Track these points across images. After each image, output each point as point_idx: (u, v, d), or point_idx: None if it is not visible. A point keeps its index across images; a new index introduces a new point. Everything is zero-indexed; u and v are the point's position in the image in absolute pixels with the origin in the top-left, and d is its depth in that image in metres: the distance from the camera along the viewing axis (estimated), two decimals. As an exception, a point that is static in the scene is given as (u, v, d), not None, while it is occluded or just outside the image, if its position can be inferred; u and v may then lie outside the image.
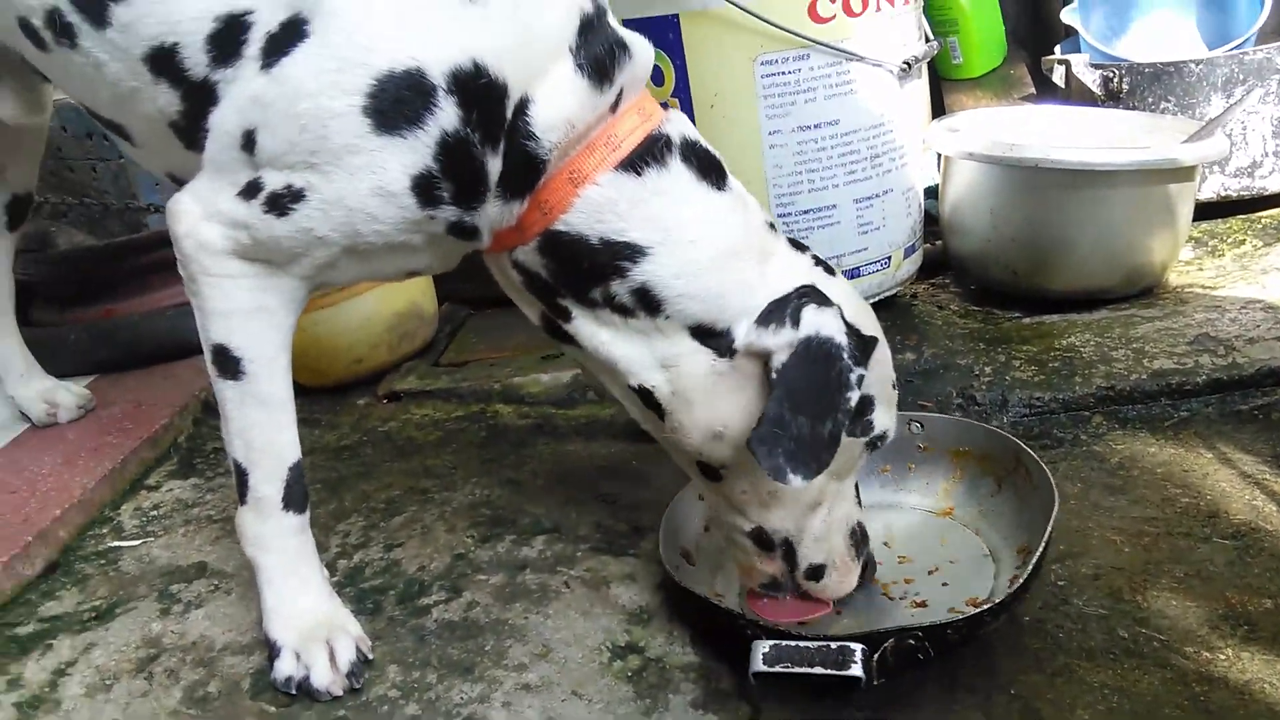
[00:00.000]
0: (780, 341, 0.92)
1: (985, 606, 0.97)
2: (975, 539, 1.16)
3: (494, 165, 0.92)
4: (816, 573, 1.05)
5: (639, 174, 0.95)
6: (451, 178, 0.91)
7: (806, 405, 0.90)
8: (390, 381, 1.77)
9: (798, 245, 1.04)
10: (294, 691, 1.05)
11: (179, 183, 1.06)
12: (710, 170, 0.99)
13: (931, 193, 1.89)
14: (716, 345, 0.96)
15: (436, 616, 1.16)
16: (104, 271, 1.93)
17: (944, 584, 1.11)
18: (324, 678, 1.04)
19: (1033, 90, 2.24)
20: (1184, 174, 1.61)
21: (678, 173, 0.97)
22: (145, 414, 1.68)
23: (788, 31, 1.48)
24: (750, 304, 0.96)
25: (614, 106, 0.97)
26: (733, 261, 0.96)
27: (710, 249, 0.96)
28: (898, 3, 1.56)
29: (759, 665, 0.92)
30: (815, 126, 1.55)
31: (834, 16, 1.50)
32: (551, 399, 1.66)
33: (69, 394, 1.67)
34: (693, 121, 1.55)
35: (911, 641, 0.92)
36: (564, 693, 1.02)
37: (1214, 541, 1.14)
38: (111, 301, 1.93)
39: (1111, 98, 1.94)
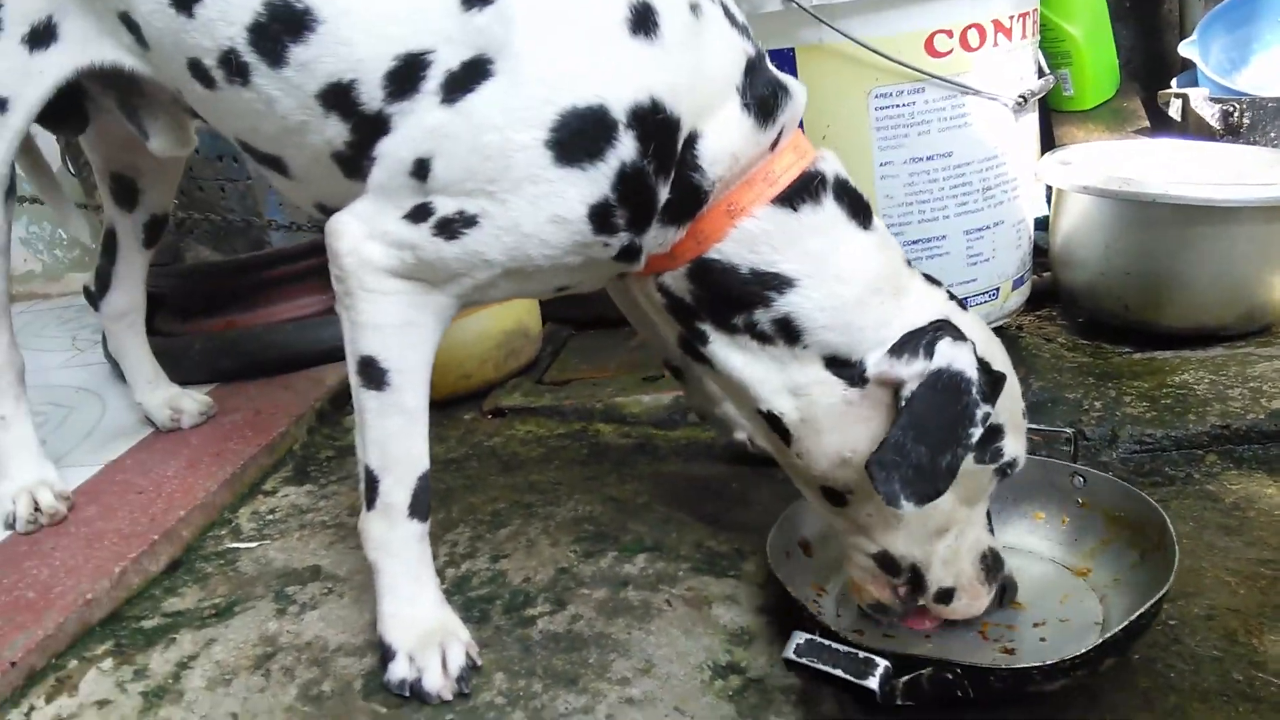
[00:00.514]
0: (912, 371, 0.94)
1: (1035, 664, 0.95)
2: (1097, 606, 1.12)
3: (663, 193, 0.97)
4: (945, 596, 1.06)
5: (795, 209, 1.00)
6: (627, 206, 0.96)
7: (929, 435, 0.91)
8: (496, 398, 1.82)
9: (932, 280, 1.06)
10: (406, 694, 1.08)
11: (327, 213, 1.12)
12: (859, 210, 1.03)
13: (1041, 224, 1.87)
14: (849, 375, 0.99)
15: (541, 627, 1.18)
16: (228, 285, 2.02)
17: (1042, 639, 1.08)
18: (436, 682, 1.07)
19: (1146, 124, 2.20)
20: (1309, 211, 1.56)
21: (830, 210, 1.01)
22: (263, 422, 1.75)
23: (903, 65, 1.49)
24: (884, 336, 0.98)
25: (774, 145, 1.01)
26: (873, 297, 1.00)
27: (855, 285, 0.99)
28: (1015, 37, 1.55)
29: (790, 653, 0.96)
30: (928, 158, 1.56)
31: (950, 51, 1.50)
32: (652, 420, 1.68)
33: (192, 401, 1.75)
34: (802, 150, 1.59)
35: (949, 676, 0.92)
36: (667, 708, 1.04)
37: (1337, 588, 1.10)
38: (234, 314, 2.02)
39: (1231, 132, 1.90)
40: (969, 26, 1.50)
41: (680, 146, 0.96)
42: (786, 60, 1.56)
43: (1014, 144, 1.62)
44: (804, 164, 1.02)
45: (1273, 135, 1.85)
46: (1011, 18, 1.54)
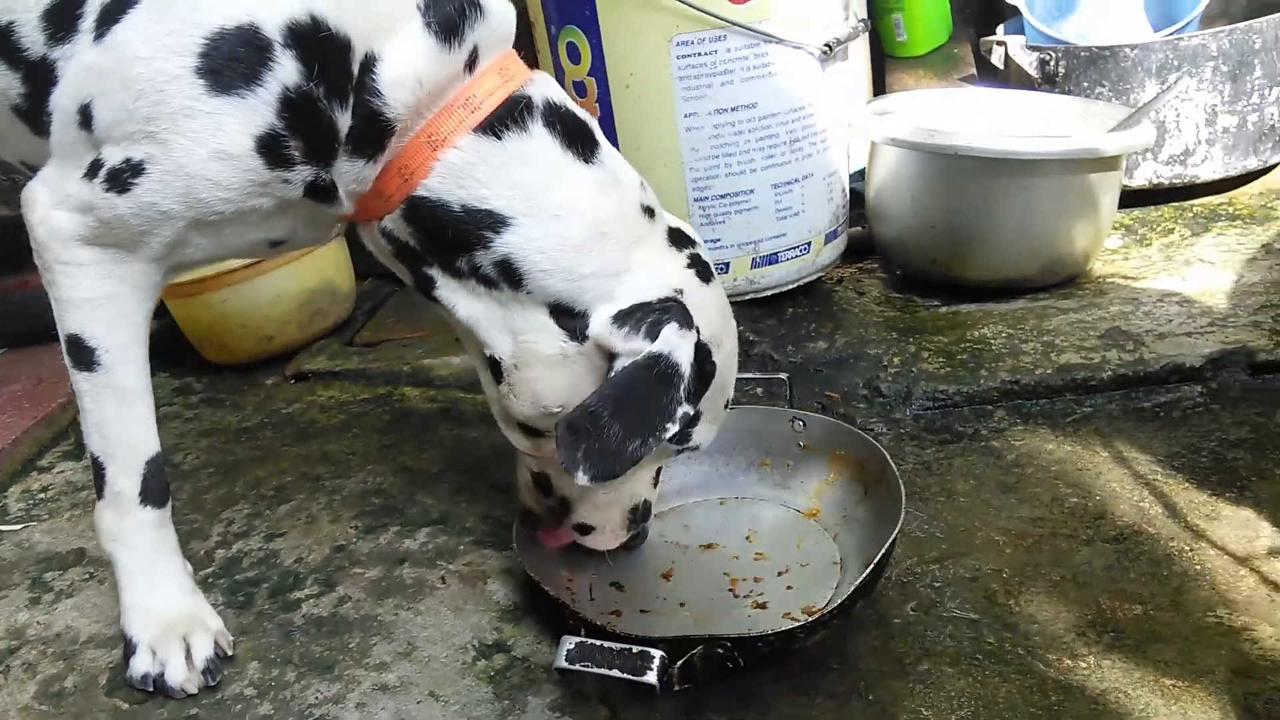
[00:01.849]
0: (629, 348, 0.91)
1: (797, 624, 0.96)
2: (831, 545, 1.14)
3: (343, 120, 0.89)
4: (583, 530, 1.09)
5: (499, 137, 0.92)
6: (298, 135, 0.87)
7: (626, 416, 0.88)
8: (299, 361, 1.74)
9: (678, 238, 1.01)
10: (149, 689, 1.03)
11: (34, 170, 1.02)
12: (577, 139, 0.96)
13: (862, 175, 1.86)
14: (570, 327, 0.94)
15: (305, 612, 1.14)
16: (17, 240, 1.88)
17: (789, 587, 1.09)
18: (178, 675, 1.02)
19: (974, 71, 2.20)
20: (1108, 163, 1.58)
21: (540, 138, 0.94)
22: (44, 391, 1.64)
23: (703, 12, 1.44)
24: (611, 289, 0.94)
25: (470, 67, 0.93)
26: (599, 243, 0.94)
27: (577, 226, 0.93)
28: (818, -17, 1.52)
29: (561, 662, 0.92)
30: (732, 109, 1.52)
31: (748, -3, 1.46)
32: (460, 382, 1.63)
33: (-34, 370, 1.64)
34: (609, 103, 1.54)
35: (719, 650, 0.91)
36: (421, 694, 1.00)
37: (1095, 544, 1.12)
38: (27, 273, 1.89)
39: (1048, 81, 1.90)
40: (769, -28, 1.46)
41: (356, 69, 0.88)
42: (587, 4, 1.49)
43: (823, 94, 1.59)
44: (510, 87, 0.94)
45: (1085, 85, 1.85)
46: (815, -37, 1.50)
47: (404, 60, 0.89)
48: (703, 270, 1.00)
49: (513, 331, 0.97)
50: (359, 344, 1.80)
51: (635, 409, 0.89)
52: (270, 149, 0.87)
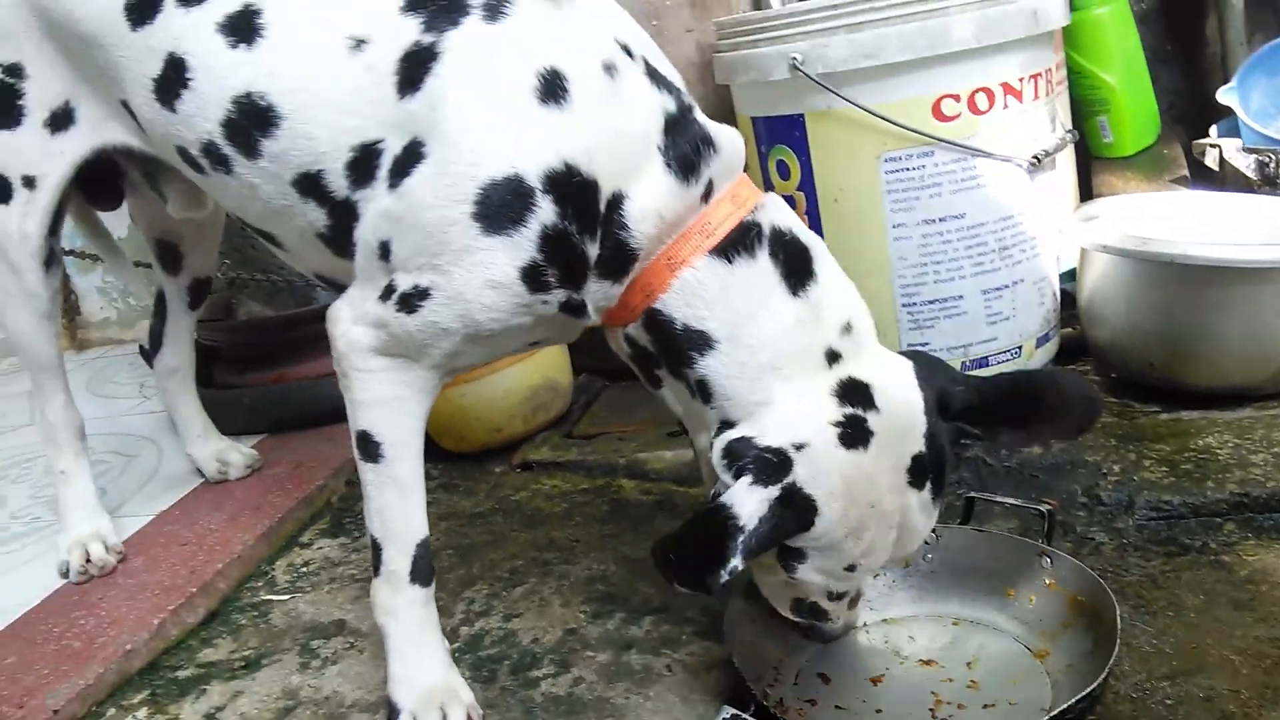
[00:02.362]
0: (720, 485, 1.01)
1: None
2: (1048, 691, 1.12)
3: (592, 250, 1.02)
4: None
5: (730, 261, 1.03)
6: (555, 265, 1.01)
7: (685, 553, 1.00)
8: (524, 451, 1.87)
9: (850, 394, 1.02)
10: (409, 752, 1.14)
11: (325, 282, 1.22)
12: (794, 270, 1.04)
13: (1072, 276, 1.86)
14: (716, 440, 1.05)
15: (545, 690, 1.22)
16: (278, 339, 2.12)
17: None
18: (436, 742, 1.13)
19: (1185, 172, 2.17)
20: (1340, 269, 1.53)
21: (763, 267, 1.03)
22: (303, 474, 1.83)
23: (911, 130, 1.51)
24: (750, 418, 1.03)
25: (706, 196, 1.04)
26: (768, 375, 1.02)
27: (762, 357, 1.02)
28: (1026, 99, 1.56)
29: None
30: (940, 220, 1.57)
31: (958, 115, 1.52)
32: (673, 475, 1.72)
33: (239, 454, 1.84)
34: (818, 215, 1.62)
35: None
36: (655, 776, 1.07)
37: (1341, 669, 1.08)
38: (284, 367, 2.12)
39: (1268, 183, 1.87)
40: (976, 90, 1.52)
41: (604, 206, 1.00)
42: (796, 125, 1.59)
43: (1033, 203, 1.62)
44: (742, 213, 1.05)
45: (1310, 187, 1.82)
46: (1021, 80, 1.55)
47: (647, 197, 1.01)
48: (852, 434, 1.01)
49: (697, 437, 1.12)
50: (577, 436, 1.92)
51: (692, 550, 0.99)
52: (532, 277, 1.01)
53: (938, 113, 1.51)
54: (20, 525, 1.84)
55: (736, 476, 0.99)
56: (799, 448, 1.00)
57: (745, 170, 1.11)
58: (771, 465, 0.99)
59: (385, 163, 1.04)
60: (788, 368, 1.02)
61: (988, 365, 1.67)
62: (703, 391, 1.05)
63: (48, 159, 1.36)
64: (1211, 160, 1.92)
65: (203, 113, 1.12)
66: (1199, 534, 1.36)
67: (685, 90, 1.09)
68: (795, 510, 0.99)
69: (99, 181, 1.41)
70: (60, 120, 1.34)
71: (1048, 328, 1.72)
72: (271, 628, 1.44)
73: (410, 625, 1.16)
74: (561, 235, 0.99)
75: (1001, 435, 1.23)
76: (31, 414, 2.58)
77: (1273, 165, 1.85)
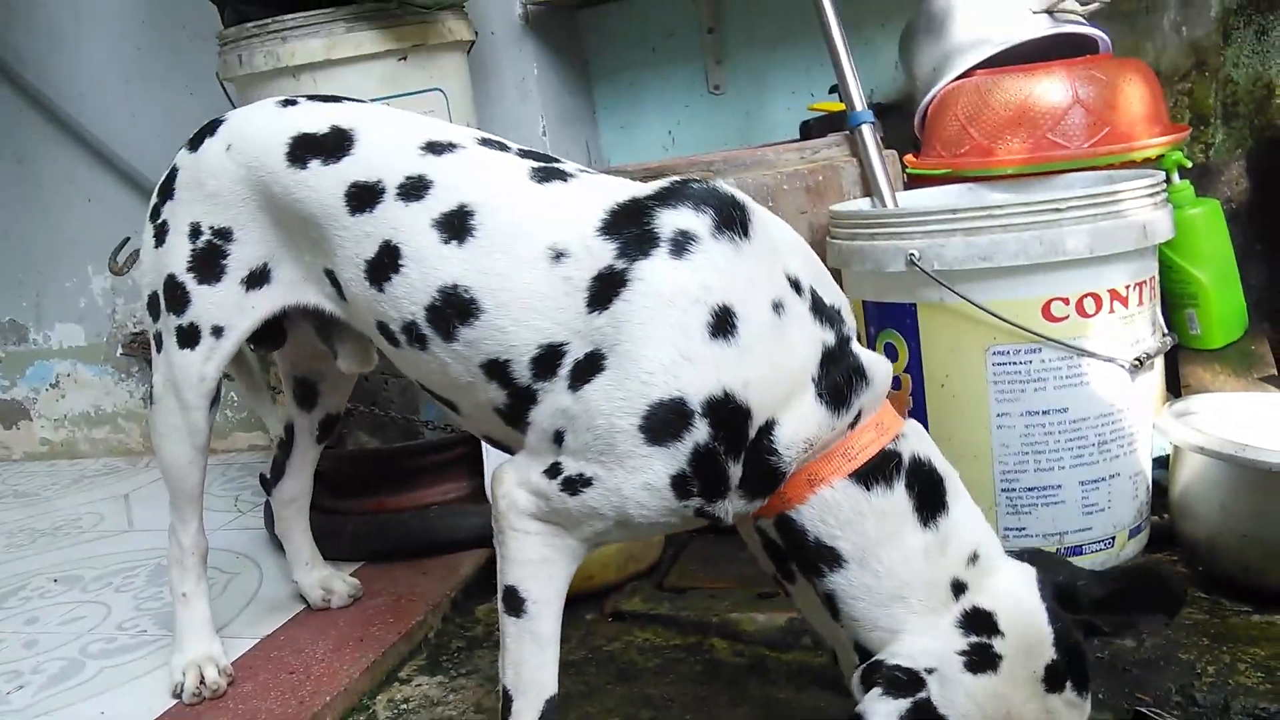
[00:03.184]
0: (853, 699, 1.08)
1: None
2: None
3: (735, 471, 1.11)
4: None
5: (868, 489, 1.12)
6: (699, 477, 1.11)
7: None
8: (615, 601, 1.92)
9: (976, 622, 1.09)
10: None
11: (492, 443, 1.33)
12: (927, 501, 1.12)
13: (1162, 463, 1.90)
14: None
15: None
16: (382, 469, 2.21)
17: None
18: None
19: (1274, 370, 2.22)
20: None
21: (899, 498, 1.11)
22: (403, 608, 1.89)
23: (1020, 328, 1.59)
24: (882, 638, 1.10)
25: (853, 425, 1.13)
26: (896, 604, 1.10)
27: (888, 585, 1.10)
28: (1131, 305, 1.64)
29: None
30: (1044, 413, 1.64)
31: (1067, 317, 1.60)
32: (765, 640, 1.75)
33: (343, 583, 1.91)
34: (922, 398, 1.70)
35: None
36: None
37: None
38: (384, 496, 2.20)
39: (1359, 391, 1.91)
40: (1085, 295, 1.60)
41: (753, 432, 1.10)
42: (908, 314, 1.68)
43: (1132, 401, 1.68)
44: (884, 441, 1.14)
45: (1403, 398, 1.85)
46: (1128, 287, 1.63)
47: (798, 427, 1.11)
48: (978, 660, 1.07)
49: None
50: (668, 588, 1.96)
51: None
52: (680, 485, 1.11)
53: (1047, 313, 1.59)
54: (127, 637, 1.91)
55: (865, 688, 1.06)
56: (930, 672, 1.07)
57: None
58: (902, 681, 1.06)
59: (567, 364, 1.15)
60: (913, 599, 1.10)
61: (1081, 554, 1.70)
62: (830, 605, 1.14)
63: (239, 313, 1.49)
64: (1301, 363, 1.97)
65: (410, 296, 1.25)
66: (1299, 747, 1.37)
67: (847, 316, 1.20)
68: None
69: (271, 326, 1.52)
70: (257, 279, 1.47)
71: (1140, 520, 1.76)
72: (376, 765, 1.49)
73: (531, 776, 1.21)
74: (710, 453, 1.10)
75: (1118, 626, 1.27)
76: (129, 519, 2.70)
77: (1364, 374, 1.90)
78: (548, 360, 1.16)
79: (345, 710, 1.62)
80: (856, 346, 1.18)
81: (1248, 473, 1.63)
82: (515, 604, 1.20)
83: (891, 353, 1.72)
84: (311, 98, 1.50)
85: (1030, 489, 1.67)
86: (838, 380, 1.13)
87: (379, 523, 2.15)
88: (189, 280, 1.49)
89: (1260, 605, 1.67)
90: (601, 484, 1.12)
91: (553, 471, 1.16)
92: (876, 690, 1.05)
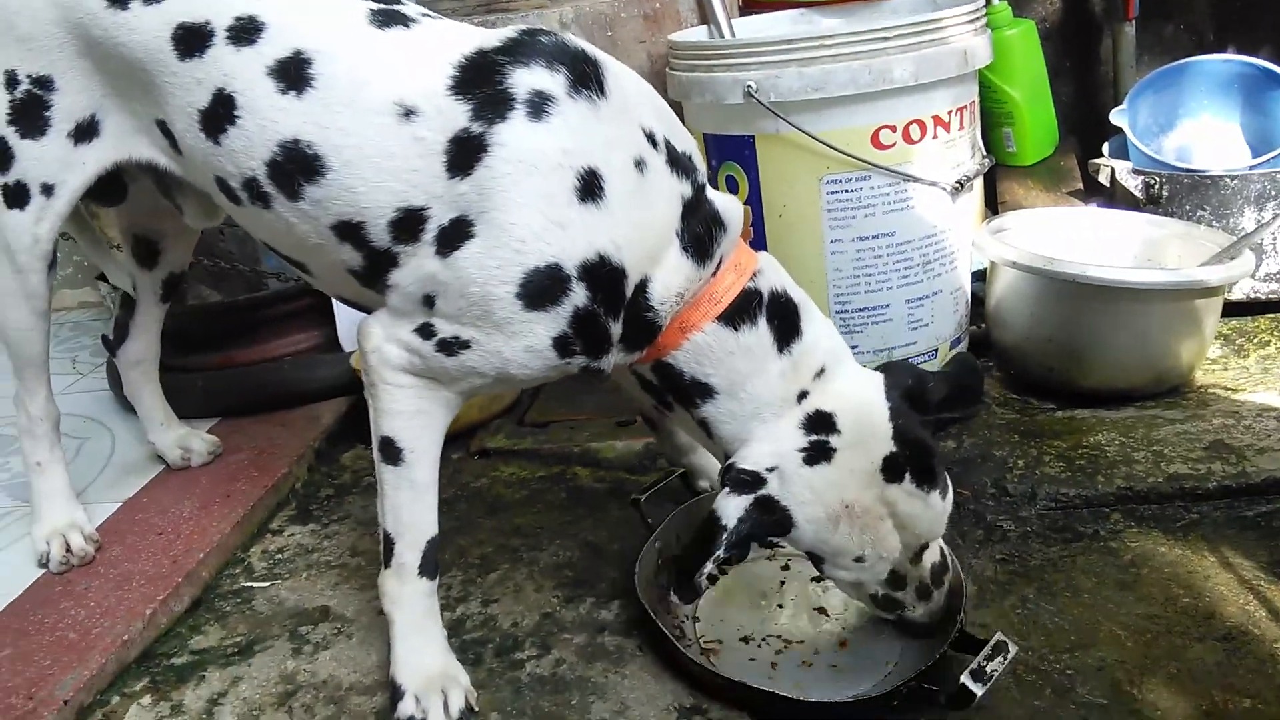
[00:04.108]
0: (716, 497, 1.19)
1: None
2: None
3: (615, 329, 1.17)
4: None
5: (735, 329, 1.19)
6: (581, 338, 1.16)
7: (694, 549, 1.18)
8: (481, 439, 1.98)
9: (816, 424, 1.19)
10: (413, 730, 1.26)
11: (347, 302, 1.32)
12: (785, 331, 1.21)
13: (980, 276, 2.05)
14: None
15: (529, 670, 1.36)
16: (228, 323, 2.17)
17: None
18: (439, 720, 1.25)
19: (1080, 185, 2.39)
20: (1213, 290, 1.76)
21: (761, 333, 1.20)
22: (266, 461, 1.90)
23: (851, 156, 1.66)
24: (743, 449, 1.21)
25: (715, 270, 1.19)
26: (754, 422, 1.22)
27: (750, 406, 1.20)
28: (953, 129, 1.73)
29: None
30: (874, 237, 1.74)
31: (894, 144, 1.68)
32: (625, 464, 1.85)
33: (201, 441, 1.90)
34: (762, 228, 1.77)
35: None
36: (639, 748, 1.22)
37: (1207, 641, 1.30)
38: (233, 350, 2.16)
39: (1152, 202, 2.09)
40: (911, 122, 1.68)
41: (629, 291, 1.15)
42: (746, 145, 1.73)
43: (953, 221, 1.80)
44: (743, 281, 1.21)
45: (1188, 208, 2.04)
46: (950, 112, 1.72)
47: (668, 281, 1.17)
48: (814, 455, 1.18)
49: None
50: (529, 423, 2.03)
51: (693, 550, 1.18)
52: (562, 346, 1.15)
53: (876, 141, 1.67)
54: (-19, 512, 1.86)
55: (723, 485, 1.18)
56: (770, 470, 1.18)
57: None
58: (746, 481, 1.18)
59: (431, 229, 1.14)
60: (768, 412, 1.20)
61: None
62: (704, 428, 1.25)
63: (68, 169, 1.40)
64: (1104, 178, 2.14)
65: (247, 150, 1.20)
66: (1091, 523, 1.57)
67: (698, 163, 1.23)
68: (774, 517, 1.18)
69: (107, 180, 1.44)
70: (85, 132, 1.38)
71: (960, 331, 1.92)
72: (257, 614, 1.53)
73: (415, 614, 1.28)
74: (591, 314, 1.14)
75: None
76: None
77: (1157, 187, 2.07)
78: (407, 224, 1.15)
79: (220, 565, 1.65)
80: (711, 192, 1.22)
81: (1055, 284, 1.79)
82: (392, 453, 1.23)
83: (732, 185, 1.78)
84: None
85: (861, 309, 1.79)
86: (699, 231, 1.17)
87: (231, 377, 2.12)
88: (10, 134, 1.38)
89: (1062, 403, 1.87)
90: (480, 346, 1.15)
91: (425, 332, 1.17)
92: (725, 490, 1.17)
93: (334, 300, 2.01)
